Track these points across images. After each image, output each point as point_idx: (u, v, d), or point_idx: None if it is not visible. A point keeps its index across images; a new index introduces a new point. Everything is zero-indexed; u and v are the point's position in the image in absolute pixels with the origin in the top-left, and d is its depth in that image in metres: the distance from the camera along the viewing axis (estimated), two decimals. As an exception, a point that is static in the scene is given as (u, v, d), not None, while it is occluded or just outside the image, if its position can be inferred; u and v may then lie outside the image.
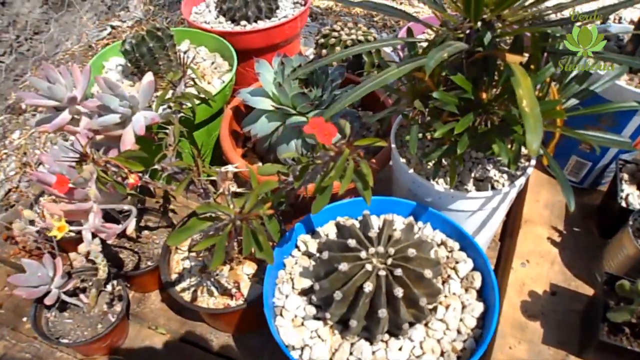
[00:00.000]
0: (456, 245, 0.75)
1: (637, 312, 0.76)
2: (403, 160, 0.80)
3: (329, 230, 0.77)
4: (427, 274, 0.61)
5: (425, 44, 0.74)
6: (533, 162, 0.81)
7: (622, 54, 0.99)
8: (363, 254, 0.63)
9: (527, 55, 0.70)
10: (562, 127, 0.72)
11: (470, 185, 0.81)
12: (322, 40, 1.10)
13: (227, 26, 1.19)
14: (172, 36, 0.97)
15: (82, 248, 0.68)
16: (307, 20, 1.23)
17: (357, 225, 0.74)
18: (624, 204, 0.97)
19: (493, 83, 0.70)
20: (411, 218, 0.78)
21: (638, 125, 0.97)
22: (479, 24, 0.66)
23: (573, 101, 0.76)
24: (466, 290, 0.71)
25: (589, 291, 0.96)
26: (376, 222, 0.78)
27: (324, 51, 1.08)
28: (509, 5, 0.65)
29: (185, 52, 1.10)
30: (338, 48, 1.06)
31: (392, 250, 0.63)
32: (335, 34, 1.09)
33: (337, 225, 0.71)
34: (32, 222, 0.74)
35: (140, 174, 0.72)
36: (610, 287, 0.82)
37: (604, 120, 0.98)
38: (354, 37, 1.08)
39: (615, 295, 0.79)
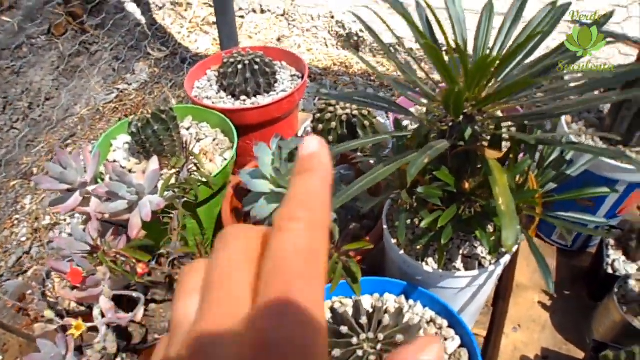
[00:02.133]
0: (444, 323, 0.79)
1: (623, 382, 0.79)
2: (394, 240, 0.85)
3: (325, 311, 0.82)
4: (414, 359, 0.65)
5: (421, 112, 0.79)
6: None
7: (601, 125, 1.05)
8: (354, 340, 0.67)
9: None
10: (541, 212, 0.77)
11: (458, 263, 0.85)
12: (319, 114, 1.16)
13: (228, 101, 1.26)
14: (175, 117, 1.04)
15: (98, 347, 0.74)
16: (305, 91, 1.29)
17: (351, 307, 0.79)
18: (610, 270, 1.01)
19: (476, 172, 0.76)
20: (402, 297, 0.83)
21: (622, 192, 1.02)
22: (461, 117, 0.72)
23: (552, 185, 0.81)
24: (455, 367, 0.75)
25: (579, 354, 1.00)
26: (369, 300, 0.82)
27: (320, 126, 1.14)
28: (490, 102, 0.70)
29: (188, 129, 1.16)
30: (334, 123, 1.12)
31: (381, 336, 0.67)
32: (331, 108, 1.15)
33: (332, 309, 0.75)
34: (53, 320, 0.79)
35: (147, 262, 0.77)
36: (597, 354, 0.86)
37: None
38: (348, 111, 1.14)
39: (603, 363, 0.83)
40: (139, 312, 0.77)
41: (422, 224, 0.72)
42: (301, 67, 1.32)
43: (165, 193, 0.94)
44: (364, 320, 0.69)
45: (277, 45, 2.20)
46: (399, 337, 0.66)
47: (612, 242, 1.05)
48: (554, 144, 0.74)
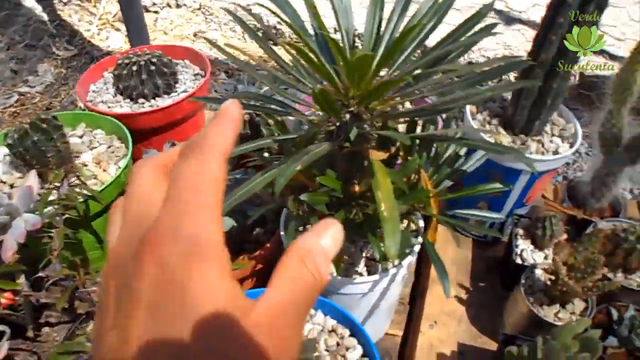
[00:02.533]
0: (346, 332, 0.76)
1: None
2: (291, 248, 0.81)
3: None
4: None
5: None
6: (420, 239, 0.83)
7: (504, 115, 1.04)
8: None
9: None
10: (437, 213, 0.74)
11: (361, 267, 0.82)
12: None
13: (125, 105, 1.18)
14: (60, 126, 0.95)
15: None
16: (207, 89, 1.23)
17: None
18: (519, 260, 1.00)
19: (365, 174, 0.72)
20: (301, 308, 0.79)
21: (527, 181, 1.02)
22: (347, 116, 0.68)
23: (448, 182, 0.79)
24: (356, 378, 0.72)
25: (494, 346, 0.99)
26: (268, 314, 0.78)
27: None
28: (374, 99, 0.66)
29: (81, 137, 1.08)
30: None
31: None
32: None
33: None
34: None
35: (16, 290, 0.70)
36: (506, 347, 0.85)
37: (495, 179, 1.01)
38: (251, 110, 1.09)
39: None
40: (3, 348, 0.70)
41: (312, 232, 0.68)
42: (204, 65, 1.26)
43: (48, 209, 0.86)
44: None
45: (194, 42, 2.12)
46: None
47: (521, 231, 1.04)
48: (438, 141, 0.72)
